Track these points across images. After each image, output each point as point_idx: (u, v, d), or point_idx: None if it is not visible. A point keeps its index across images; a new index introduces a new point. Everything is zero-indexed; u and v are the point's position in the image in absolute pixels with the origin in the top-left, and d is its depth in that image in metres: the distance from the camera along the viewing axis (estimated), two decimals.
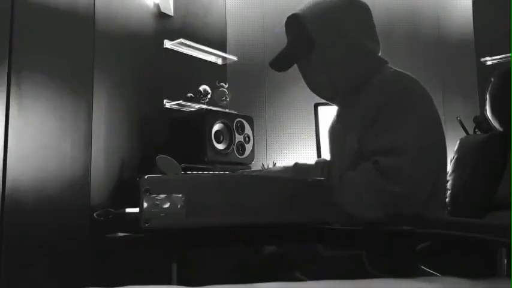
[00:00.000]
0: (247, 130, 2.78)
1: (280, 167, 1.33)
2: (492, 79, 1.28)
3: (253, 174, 1.31)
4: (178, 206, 0.78)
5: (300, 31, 1.25)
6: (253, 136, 2.82)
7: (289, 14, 1.30)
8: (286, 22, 1.32)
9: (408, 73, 1.22)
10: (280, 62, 1.33)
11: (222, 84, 2.90)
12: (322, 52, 1.22)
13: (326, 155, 1.55)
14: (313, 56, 1.24)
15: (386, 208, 1.04)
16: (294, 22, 1.27)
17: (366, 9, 1.27)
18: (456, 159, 1.49)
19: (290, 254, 1.18)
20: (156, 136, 2.64)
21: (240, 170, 1.38)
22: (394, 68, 1.27)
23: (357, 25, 1.24)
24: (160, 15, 2.75)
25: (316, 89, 1.34)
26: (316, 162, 1.45)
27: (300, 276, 1.08)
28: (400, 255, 0.94)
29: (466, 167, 1.24)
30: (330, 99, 1.37)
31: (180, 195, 0.78)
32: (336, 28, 1.21)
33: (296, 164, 1.29)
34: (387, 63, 1.28)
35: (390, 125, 1.12)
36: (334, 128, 1.37)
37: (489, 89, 1.28)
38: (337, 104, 1.36)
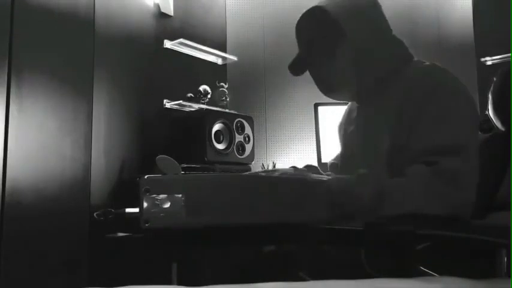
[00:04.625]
0: (247, 130, 2.79)
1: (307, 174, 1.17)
2: (494, 79, 1.26)
3: (261, 175, 1.24)
4: (178, 206, 0.78)
5: (327, 23, 1.17)
6: (253, 136, 2.82)
7: (309, 7, 1.20)
8: (304, 17, 1.23)
9: (444, 67, 1.15)
10: (300, 64, 1.27)
11: (222, 84, 2.90)
12: (353, 43, 1.15)
13: (327, 154, 1.51)
14: (343, 48, 1.17)
15: (448, 215, 0.97)
16: (319, 15, 1.19)
17: (379, 4, 1.23)
18: None
19: (293, 253, 1.18)
20: (156, 136, 2.64)
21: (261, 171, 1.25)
22: (425, 61, 1.20)
23: (382, 16, 1.20)
24: (160, 15, 2.75)
25: (336, 90, 1.26)
26: (331, 166, 1.41)
27: (303, 276, 1.07)
28: (400, 256, 0.94)
29: None
30: (349, 99, 1.30)
31: (180, 195, 0.78)
32: (365, 18, 1.16)
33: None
34: (412, 56, 1.22)
35: (443, 124, 1.04)
36: (359, 128, 1.26)
37: (491, 88, 1.26)
38: (360, 102, 1.27)
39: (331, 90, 1.27)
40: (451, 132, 1.04)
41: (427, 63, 1.19)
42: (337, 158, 1.40)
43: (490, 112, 1.26)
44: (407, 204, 0.99)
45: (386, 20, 1.22)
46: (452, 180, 0.98)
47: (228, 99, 2.89)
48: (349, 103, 1.37)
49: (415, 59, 1.22)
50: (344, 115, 1.39)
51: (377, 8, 1.21)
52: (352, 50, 1.16)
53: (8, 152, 1.90)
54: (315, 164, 1.47)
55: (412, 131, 1.07)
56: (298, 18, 1.24)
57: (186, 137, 2.63)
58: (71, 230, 2.11)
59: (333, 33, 1.17)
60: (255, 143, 2.83)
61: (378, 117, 1.18)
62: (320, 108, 2.65)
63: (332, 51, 1.20)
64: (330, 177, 1.07)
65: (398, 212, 0.98)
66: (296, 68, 1.28)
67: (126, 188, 2.32)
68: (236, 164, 2.69)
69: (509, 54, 2.81)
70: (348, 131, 1.33)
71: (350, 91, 1.25)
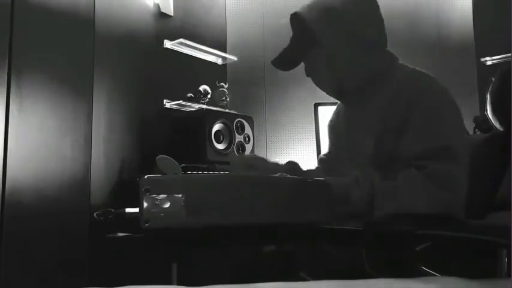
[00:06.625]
0: (247, 130, 2.79)
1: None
2: (493, 79, 1.27)
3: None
4: (178, 206, 0.78)
5: (301, 29, 1.22)
6: (253, 136, 2.82)
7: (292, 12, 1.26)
8: (289, 20, 1.28)
9: (425, 71, 1.17)
10: (284, 61, 1.29)
11: (222, 84, 2.90)
12: (324, 49, 1.18)
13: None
14: (316, 53, 1.20)
15: (440, 216, 0.99)
16: (295, 20, 1.25)
17: (372, 2, 1.22)
18: None
19: (293, 253, 1.18)
20: (156, 136, 2.64)
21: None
22: (408, 65, 1.21)
23: (361, 19, 1.18)
24: (160, 15, 2.75)
25: (322, 87, 1.28)
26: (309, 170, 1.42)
27: (303, 276, 1.07)
28: (400, 255, 0.94)
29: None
30: (337, 97, 1.31)
31: (180, 195, 0.78)
32: (337, 23, 1.16)
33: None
34: (398, 59, 1.23)
35: (431, 127, 1.06)
36: (345, 130, 1.28)
37: (490, 89, 1.27)
38: (346, 104, 1.30)
39: (319, 86, 1.29)
40: (439, 136, 1.06)
41: (411, 66, 1.20)
42: (327, 154, 1.42)
43: (489, 112, 1.26)
44: (398, 206, 1.00)
45: (373, 19, 1.20)
46: (443, 181, 1.00)
47: (228, 99, 2.90)
48: (338, 103, 1.39)
49: (400, 61, 1.23)
50: (333, 115, 1.41)
51: (360, 8, 1.19)
52: (324, 55, 1.19)
53: (8, 152, 1.90)
54: (315, 163, 1.47)
55: (400, 135, 1.08)
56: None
57: (186, 137, 2.63)
58: (71, 230, 2.11)
59: (306, 36, 1.20)
60: (255, 143, 2.83)
61: (363, 120, 1.19)
62: (320, 108, 2.65)
63: (308, 52, 1.23)
64: (329, 178, 1.07)
65: (389, 214, 0.99)
66: (279, 63, 1.30)
67: (126, 188, 2.32)
68: None
69: (509, 54, 2.81)
70: (336, 131, 1.35)
71: (333, 89, 1.27)
